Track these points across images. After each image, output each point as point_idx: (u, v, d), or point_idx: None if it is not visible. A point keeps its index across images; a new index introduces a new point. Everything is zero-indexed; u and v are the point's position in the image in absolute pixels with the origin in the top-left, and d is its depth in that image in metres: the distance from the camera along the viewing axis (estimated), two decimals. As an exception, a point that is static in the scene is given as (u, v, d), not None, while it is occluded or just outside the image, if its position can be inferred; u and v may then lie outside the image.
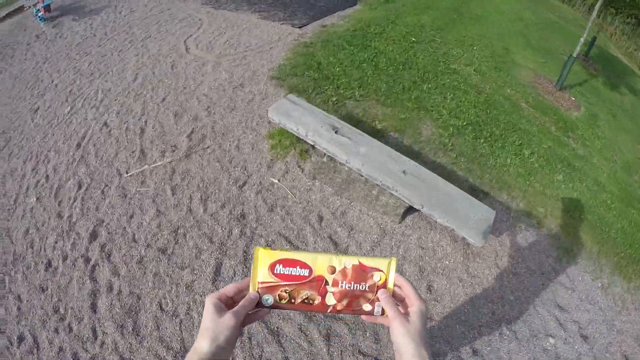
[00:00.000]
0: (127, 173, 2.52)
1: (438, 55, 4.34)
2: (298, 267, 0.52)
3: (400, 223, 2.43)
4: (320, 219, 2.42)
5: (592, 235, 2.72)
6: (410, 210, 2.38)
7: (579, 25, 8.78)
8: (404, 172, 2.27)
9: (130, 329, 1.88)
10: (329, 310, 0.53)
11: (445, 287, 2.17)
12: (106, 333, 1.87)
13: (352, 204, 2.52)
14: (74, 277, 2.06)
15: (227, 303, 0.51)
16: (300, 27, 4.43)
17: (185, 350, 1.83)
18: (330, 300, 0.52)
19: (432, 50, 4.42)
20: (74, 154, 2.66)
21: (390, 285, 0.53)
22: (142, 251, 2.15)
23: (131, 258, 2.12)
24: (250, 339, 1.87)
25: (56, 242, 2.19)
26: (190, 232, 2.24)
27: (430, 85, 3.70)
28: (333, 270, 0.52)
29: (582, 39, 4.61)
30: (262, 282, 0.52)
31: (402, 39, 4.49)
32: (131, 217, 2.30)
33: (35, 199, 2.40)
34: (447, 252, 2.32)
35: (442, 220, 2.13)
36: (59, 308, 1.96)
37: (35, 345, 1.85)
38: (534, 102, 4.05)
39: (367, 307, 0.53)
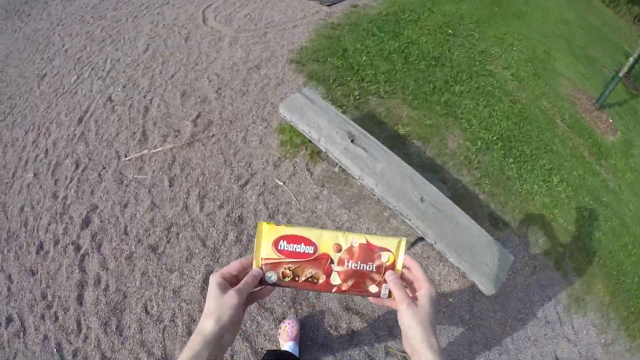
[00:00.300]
0: (125, 157, 2.08)
1: (475, 53, 3.46)
2: (303, 244, 0.44)
3: (408, 250, 1.96)
4: (322, 231, 1.97)
5: (607, 284, 2.20)
6: (421, 238, 1.89)
7: (623, 35, 7.18)
8: (421, 199, 1.74)
9: (114, 328, 1.59)
10: (333, 290, 0.45)
11: (445, 328, 1.76)
12: (90, 328, 1.59)
13: (360, 220, 2.04)
14: (64, 265, 1.74)
15: (232, 282, 0.43)
16: (329, 6, 3.56)
17: (166, 358, 1.54)
18: (336, 279, 0.44)
19: (468, 47, 3.53)
20: (74, 130, 2.21)
21: (399, 266, 0.45)
22: (133, 246, 1.79)
23: (121, 252, 1.77)
24: (232, 356, 1.56)
25: (49, 225, 1.85)
26: (183, 231, 1.85)
27: (462, 87, 2.94)
28: (339, 249, 0.44)
29: (631, 59, 3.61)
30: (265, 259, 0.44)
31: (437, 29, 3.57)
32: (125, 206, 1.91)
33: (32, 175, 2.02)
34: (453, 289, 1.87)
35: (455, 261, 1.65)
36: (46, 294, 1.68)
37: (22, 329, 1.60)
38: (570, 120, 3.25)
39: (373, 288, 0.45)
